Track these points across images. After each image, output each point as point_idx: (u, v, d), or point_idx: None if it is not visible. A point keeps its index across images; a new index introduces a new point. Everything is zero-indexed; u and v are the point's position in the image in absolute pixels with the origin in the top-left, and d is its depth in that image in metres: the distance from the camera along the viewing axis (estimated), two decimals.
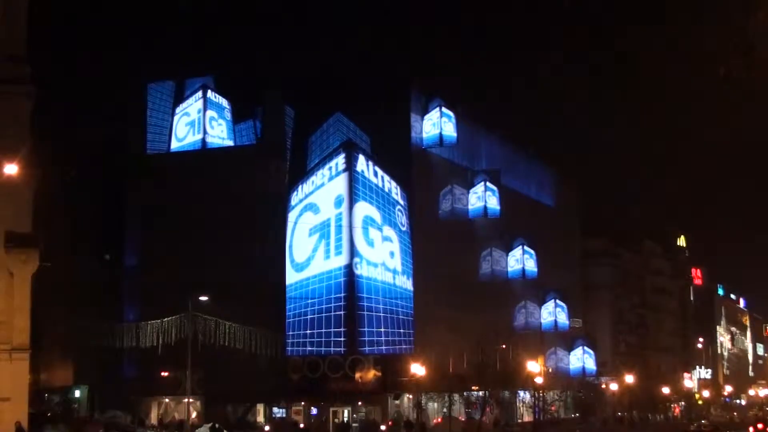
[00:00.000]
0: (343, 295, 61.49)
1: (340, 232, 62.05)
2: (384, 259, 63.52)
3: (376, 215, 63.59)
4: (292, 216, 64.21)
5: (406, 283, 64.43)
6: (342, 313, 61.45)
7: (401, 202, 65.05)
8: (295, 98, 66.68)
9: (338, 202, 62.63)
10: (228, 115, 69.78)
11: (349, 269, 61.54)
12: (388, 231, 64.04)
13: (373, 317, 62.03)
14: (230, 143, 69.33)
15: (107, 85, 69.19)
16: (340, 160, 63.08)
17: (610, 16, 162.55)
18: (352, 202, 62.28)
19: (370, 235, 62.94)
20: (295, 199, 64.56)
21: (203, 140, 69.52)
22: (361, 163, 63.18)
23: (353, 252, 61.74)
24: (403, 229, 64.95)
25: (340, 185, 62.79)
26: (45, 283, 37.30)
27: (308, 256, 63.22)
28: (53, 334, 60.06)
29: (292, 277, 63.55)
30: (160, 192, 67.10)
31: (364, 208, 62.96)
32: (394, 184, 64.82)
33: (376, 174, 63.93)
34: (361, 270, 61.92)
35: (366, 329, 61.67)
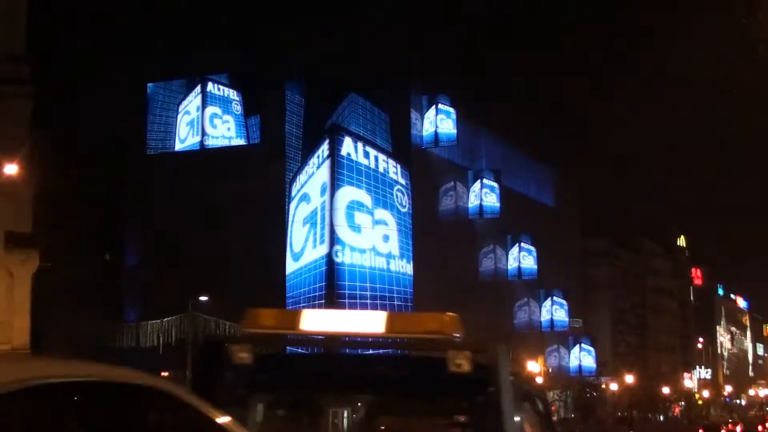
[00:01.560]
0: (324, 284, 60.99)
1: (325, 219, 61.41)
2: (374, 244, 62.54)
3: (366, 198, 62.42)
4: (292, 206, 64.05)
5: (405, 267, 63.63)
6: (322, 302, 61.04)
7: (402, 181, 64.03)
8: (300, 93, 66.32)
9: (323, 190, 61.79)
10: (238, 107, 68.80)
11: (329, 258, 60.95)
12: (382, 213, 62.94)
13: (357, 305, 61.10)
14: (239, 140, 68.67)
15: (108, 84, 69.19)
16: (325, 146, 62.21)
17: (610, 16, 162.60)
18: (334, 188, 61.17)
19: (357, 220, 61.90)
20: (294, 190, 64.36)
21: (201, 143, 69.05)
22: (348, 146, 62.08)
23: (333, 240, 61.00)
24: (404, 210, 64.04)
25: (324, 172, 61.99)
26: (45, 283, 37.28)
27: (302, 246, 62.89)
28: (53, 334, 60.03)
29: (290, 267, 63.43)
30: (160, 192, 67.09)
31: (350, 193, 61.95)
32: (392, 163, 63.68)
33: (367, 155, 62.77)
34: (343, 258, 61.13)
35: None
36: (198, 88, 69.15)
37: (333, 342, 7.52)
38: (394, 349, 7.69)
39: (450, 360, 6.72)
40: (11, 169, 31.74)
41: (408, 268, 63.85)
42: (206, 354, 7.77)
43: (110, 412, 4.25)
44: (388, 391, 7.36)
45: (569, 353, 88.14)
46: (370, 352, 8.06)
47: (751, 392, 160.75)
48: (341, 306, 60.70)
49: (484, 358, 7.07)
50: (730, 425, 77.42)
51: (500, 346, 7.05)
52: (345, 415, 8.38)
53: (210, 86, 68.96)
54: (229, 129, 68.76)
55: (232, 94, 68.67)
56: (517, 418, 6.96)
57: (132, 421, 4.34)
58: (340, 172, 61.79)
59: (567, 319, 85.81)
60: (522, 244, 79.30)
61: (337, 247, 61.19)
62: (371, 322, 7.37)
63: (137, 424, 4.38)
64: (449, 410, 7.49)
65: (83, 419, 4.13)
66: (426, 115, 68.09)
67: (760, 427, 75.88)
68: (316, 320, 7.52)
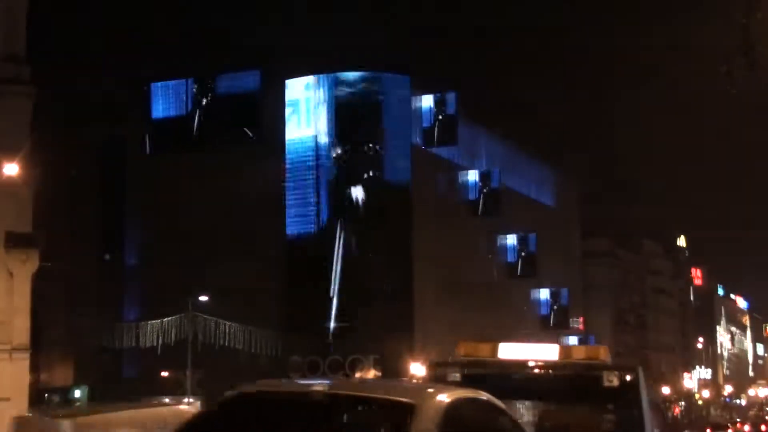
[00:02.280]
0: None
1: None
2: None
3: None
4: None
5: None
6: None
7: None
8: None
9: None
10: (234, 107, 68.91)
11: None
12: None
13: None
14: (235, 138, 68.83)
15: (108, 84, 69.17)
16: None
17: (610, 16, 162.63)
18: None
19: None
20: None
21: (206, 143, 69.10)
22: None
23: None
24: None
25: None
26: (45, 283, 37.30)
27: None
28: (53, 334, 60.07)
29: None
30: (160, 192, 67.09)
31: None
32: None
33: None
34: None
35: None
36: (203, 87, 69.17)
37: (521, 366, 11.25)
38: (564, 370, 11.25)
39: (604, 378, 10.46)
40: (11, 169, 31.75)
41: None
42: (429, 374, 11.93)
43: (479, 417, 7.38)
44: (560, 399, 10.58)
45: None
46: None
47: (751, 392, 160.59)
48: None
49: (628, 376, 10.85)
50: (739, 424, 77.38)
51: (639, 368, 11.05)
52: (530, 416, 11.41)
53: (203, 87, 69.09)
54: (226, 129, 68.81)
55: (230, 93, 68.75)
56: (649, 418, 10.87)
57: (486, 423, 7.42)
58: None
59: (567, 319, 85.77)
60: (522, 244, 79.26)
61: None
62: (549, 351, 11.53)
63: (489, 425, 7.44)
64: (604, 412, 10.90)
65: (472, 421, 7.24)
66: (426, 115, 68.05)
67: (763, 427, 75.86)
68: (509, 350, 11.59)
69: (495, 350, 11.41)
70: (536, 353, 11.42)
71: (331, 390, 7.13)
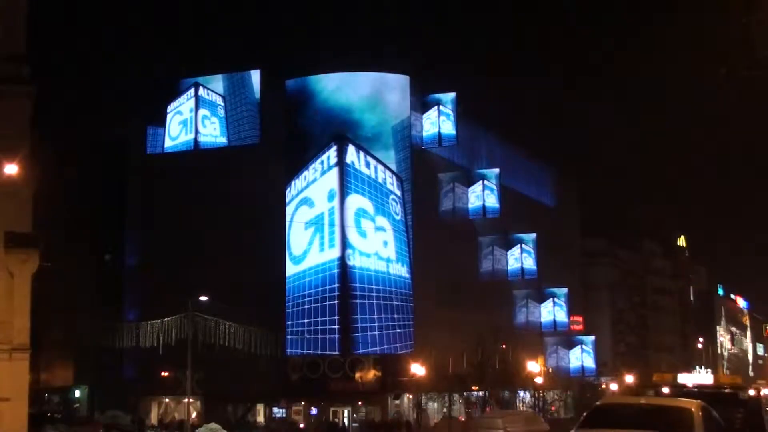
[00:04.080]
0: (336, 285, 61.89)
1: (333, 225, 62.49)
2: (377, 249, 63.71)
3: (369, 206, 63.78)
4: (288, 210, 64.32)
5: (401, 270, 64.43)
6: (336, 302, 61.83)
7: (396, 191, 64.94)
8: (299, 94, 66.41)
9: (331, 196, 63.14)
10: (221, 111, 69.50)
11: (342, 261, 61.94)
12: (381, 221, 64.21)
13: (366, 305, 62.41)
14: (223, 139, 69.19)
15: (108, 84, 69.23)
16: (331, 154, 63.35)
17: (610, 16, 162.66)
18: (343, 195, 62.68)
19: (363, 227, 63.27)
20: (289, 195, 64.62)
21: (195, 140, 69.51)
22: (351, 155, 63.30)
23: (345, 244, 62.09)
24: (398, 218, 64.89)
25: (332, 179, 63.13)
26: (45, 283, 37.29)
27: (304, 249, 63.41)
28: (53, 334, 60.12)
29: (290, 269, 63.78)
30: (160, 192, 67.09)
31: (357, 201, 63.26)
32: (388, 173, 64.69)
33: (368, 165, 63.89)
34: (354, 261, 62.37)
35: (359, 316, 62.01)
36: (191, 91, 69.83)
37: (690, 387, 21.21)
38: (717, 389, 21.50)
39: (741, 394, 20.81)
40: (11, 169, 31.71)
41: (404, 271, 64.28)
42: (634, 392, 28.62)
43: (709, 416, 14.38)
44: (715, 405, 15.17)
45: (569, 353, 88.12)
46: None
47: (751, 392, 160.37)
48: (353, 306, 61.21)
49: (753, 392, 21.31)
50: None
51: (760, 389, 25.57)
52: None
53: (201, 90, 69.70)
54: (215, 129, 69.43)
55: (218, 99, 69.32)
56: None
57: (711, 419, 14.37)
58: (347, 180, 63.00)
59: (567, 319, 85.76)
60: (522, 244, 79.27)
61: (349, 251, 62.06)
62: (706, 378, 26.23)
63: (713, 419, 14.50)
64: (738, 413, 19.33)
65: (707, 419, 13.95)
66: (426, 115, 68.07)
67: None
68: (683, 378, 23.25)
69: (675, 378, 22.52)
70: (698, 379, 22.72)
71: (650, 401, 14.30)
